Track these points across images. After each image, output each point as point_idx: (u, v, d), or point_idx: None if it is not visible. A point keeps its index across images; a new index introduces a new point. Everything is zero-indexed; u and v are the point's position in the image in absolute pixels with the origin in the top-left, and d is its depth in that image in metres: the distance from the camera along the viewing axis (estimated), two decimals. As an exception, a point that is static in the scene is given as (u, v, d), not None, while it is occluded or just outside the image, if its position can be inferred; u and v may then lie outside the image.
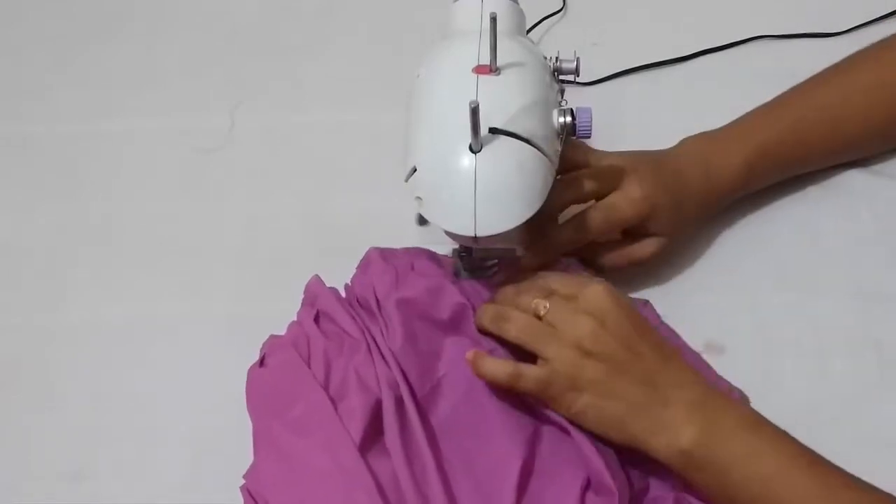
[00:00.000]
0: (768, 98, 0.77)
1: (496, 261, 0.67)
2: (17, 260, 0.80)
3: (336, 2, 0.99)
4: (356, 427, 0.59)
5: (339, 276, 0.70)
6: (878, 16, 0.92)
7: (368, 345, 0.63)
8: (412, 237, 0.73)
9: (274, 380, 0.64)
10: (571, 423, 0.60)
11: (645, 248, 0.71)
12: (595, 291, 0.60)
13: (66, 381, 0.72)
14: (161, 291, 0.77)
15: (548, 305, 0.60)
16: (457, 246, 0.67)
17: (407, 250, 0.69)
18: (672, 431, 0.57)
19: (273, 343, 0.67)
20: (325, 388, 0.62)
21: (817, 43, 0.91)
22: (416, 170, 0.59)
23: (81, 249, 0.80)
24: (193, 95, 0.91)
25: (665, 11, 0.95)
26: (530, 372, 0.59)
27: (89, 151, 0.87)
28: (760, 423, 0.58)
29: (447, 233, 0.61)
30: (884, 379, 0.68)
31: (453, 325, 0.64)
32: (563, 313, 0.60)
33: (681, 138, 0.75)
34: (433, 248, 0.70)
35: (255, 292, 0.75)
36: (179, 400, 0.70)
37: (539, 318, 0.60)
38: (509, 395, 0.61)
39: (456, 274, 0.67)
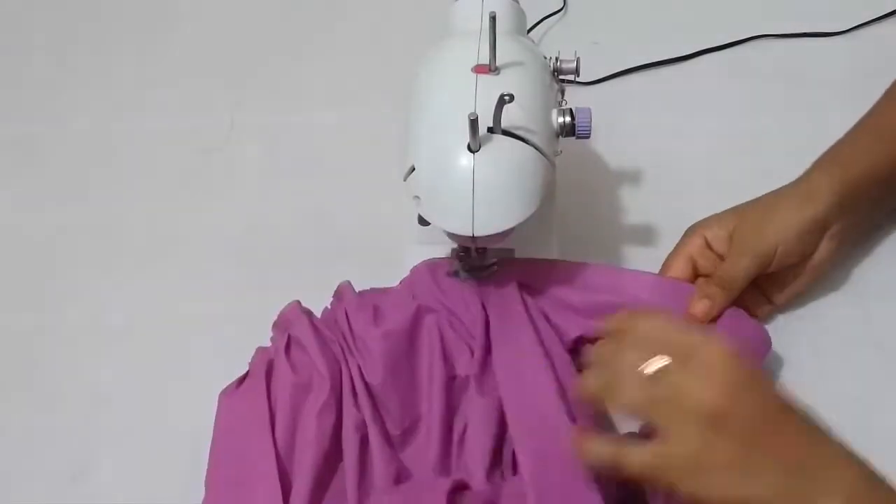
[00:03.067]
0: (767, 98, 0.77)
1: (495, 261, 0.67)
2: (18, 260, 0.80)
3: (336, 2, 0.99)
4: (305, 480, 0.60)
5: (339, 276, 0.70)
6: (878, 16, 0.92)
7: (337, 381, 0.63)
8: (412, 237, 0.73)
9: (234, 432, 0.64)
10: None
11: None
12: (716, 351, 0.50)
13: (66, 381, 0.72)
14: (161, 291, 0.77)
15: (659, 366, 0.51)
16: (456, 246, 0.67)
17: (371, 290, 0.69)
18: None
19: (251, 371, 0.67)
20: (292, 432, 0.62)
21: (817, 43, 0.91)
22: (414, 169, 0.59)
23: (82, 249, 0.80)
24: (193, 95, 0.91)
25: (665, 11, 0.95)
26: (634, 456, 0.51)
27: (90, 151, 0.87)
28: None
29: (446, 232, 0.61)
30: (885, 379, 0.68)
31: (433, 354, 0.64)
32: (679, 376, 0.50)
33: (680, 138, 0.75)
34: (433, 248, 0.70)
35: (255, 292, 0.75)
36: (180, 400, 0.70)
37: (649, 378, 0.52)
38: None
39: (455, 274, 0.67)
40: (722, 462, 0.49)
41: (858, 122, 0.72)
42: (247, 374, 0.66)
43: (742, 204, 0.70)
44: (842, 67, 0.88)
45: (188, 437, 0.67)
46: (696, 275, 0.69)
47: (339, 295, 0.69)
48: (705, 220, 0.70)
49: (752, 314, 0.69)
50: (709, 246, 0.69)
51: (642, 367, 0.52)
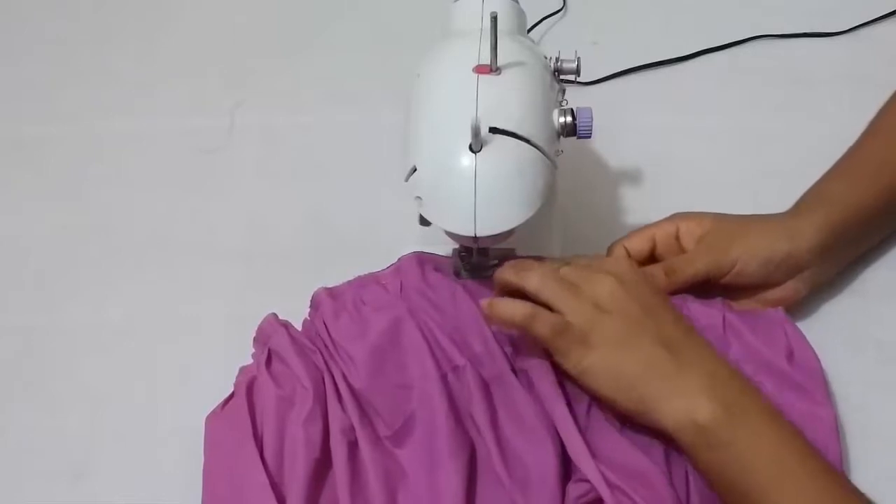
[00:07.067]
0: (767, 98, 0.77)
1: (497, 261, 0.67)
2: (18, 260, 0.80)
3: (336, 2, 0.99)
4: (298, 490, 0.59)
5: (339, 276, 0.70)
6: (878, 16, 0.92)
7: (321, 389, 0.63)
8: (412, 237, 0.73)
9: (221, 453, 0.64)
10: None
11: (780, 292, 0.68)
12: (617, 260, 0.64)
13: (66, 381, 0.72)
14: (161, 291, 0.77)
15: (567, 268, 0.61)
16: (457, 246, 0.67)
17: (351, 283, 0.69)
18: (688, 400, 0.56)
19: (235, 391, 0.66)
20: (280, 446, 0.62)
21: (817, 43, 0.91)
22: (416, 169, 0.59)
23: (82, 249, 0.80)
24: (193, 95, 0.91)
25: (665, 11, 0.96)
26: (546, 315, 0.58)
27: (90, 152, 0.87)
28: (780, 415, 0.57)
29: (447, 233, 0.61)
30: (884, 378, 0.69)
31: (418, 356, 0.64)
32: (583, 271, 0.61)
33: (680, 138, 0.75)
34: (434, 249, 0.70)
35: (255, 292, 0.75)
36: (179, 400, 0.70)
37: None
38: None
39: (456, 274, 0.67)
40: (605, 335, 0.58)
41: (844, 155, 0.72)
42: (232, 394, 0.66)
43: (729, 214, 0.70)
44: (842, 67, 0.88)
45: (188, 438, 0.67)
46: (650, 257, 0.69)
47: (315, 304, 0.68)
48: (688, 213, 0.70)
49: None
50: (677, 237, 0.69)
51: (553, 267, 0.61)
